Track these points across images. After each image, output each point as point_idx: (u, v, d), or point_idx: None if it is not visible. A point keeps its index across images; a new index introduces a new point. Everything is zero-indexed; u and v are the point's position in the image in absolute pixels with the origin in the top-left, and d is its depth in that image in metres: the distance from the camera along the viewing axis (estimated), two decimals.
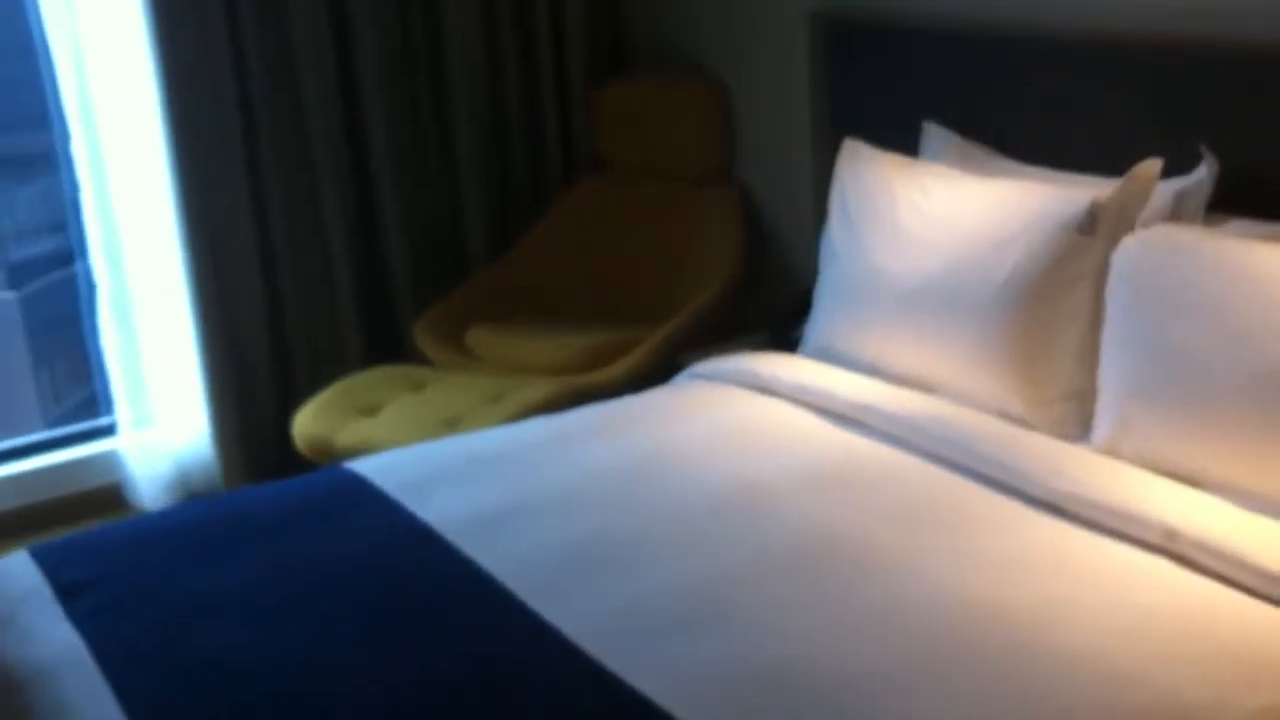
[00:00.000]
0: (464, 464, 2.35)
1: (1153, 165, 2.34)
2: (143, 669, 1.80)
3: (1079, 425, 2.34)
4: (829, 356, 2.71)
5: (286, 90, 3.40)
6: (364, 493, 2.25)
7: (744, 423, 2.46)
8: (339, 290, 3.54)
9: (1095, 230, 2.33)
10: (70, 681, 1.80)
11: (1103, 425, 2.25)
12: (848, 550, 1.97)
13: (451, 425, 3.01)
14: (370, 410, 3.13)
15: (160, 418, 3.49)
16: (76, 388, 3.97)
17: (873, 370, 2.61)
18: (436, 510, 2.15)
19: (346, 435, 3.03)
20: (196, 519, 2.26)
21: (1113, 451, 2.21)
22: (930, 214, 2.56)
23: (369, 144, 3.54)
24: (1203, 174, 2.33)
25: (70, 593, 2.03)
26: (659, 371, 3.18)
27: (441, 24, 3.58)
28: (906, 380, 2.55)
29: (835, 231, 2.77)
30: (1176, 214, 2.35)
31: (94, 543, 2.21)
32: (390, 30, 3.51)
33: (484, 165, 3.71)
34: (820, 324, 2.77)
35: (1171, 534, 1.91)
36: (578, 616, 1.82)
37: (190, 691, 1.73)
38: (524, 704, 1.66)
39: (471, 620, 1.84)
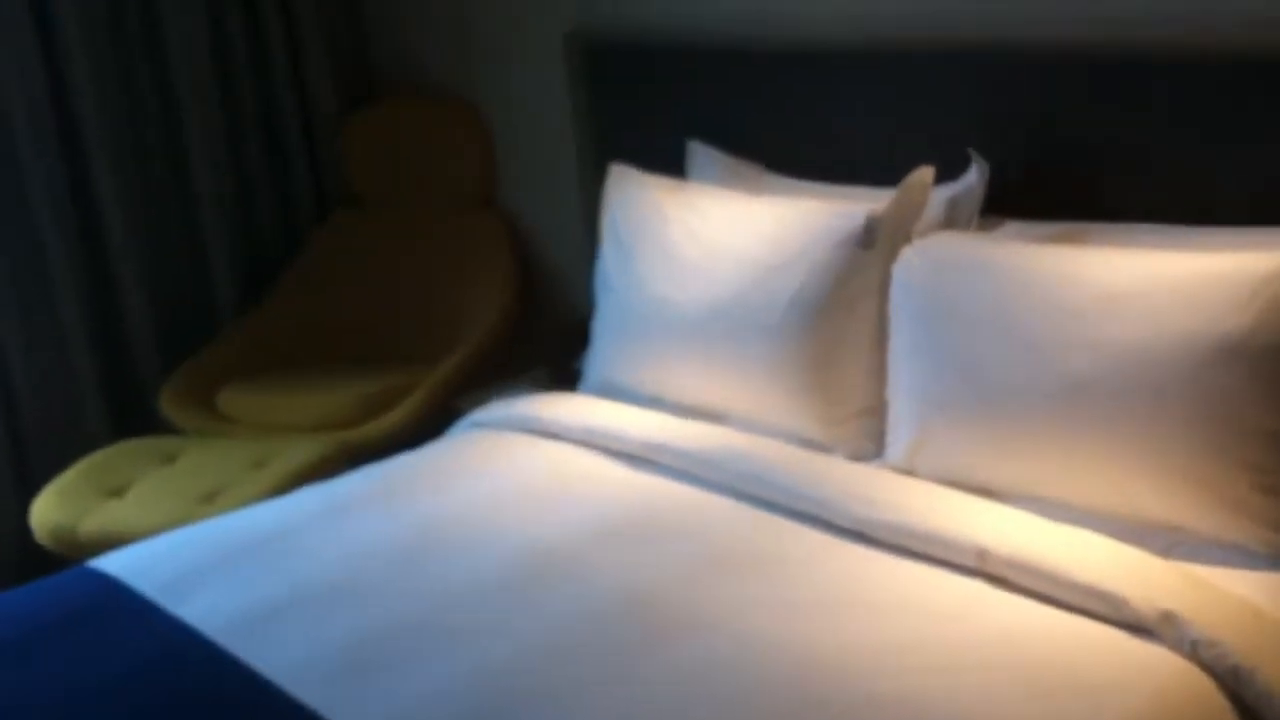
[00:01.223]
0: (229, 551, 2.12)
1: (925, 173, 2.30)
2: None
3: (874, 442, 2.28)
4: (610, 391, 2.59)
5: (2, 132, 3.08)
6: (116, 598, 2.00)
7: (531, 475, 2.31)
8: (74, 360, 3.23)
9: (874, 244, 2.27)
10: None
11: (897, 441, 2.20)
12: (656, 611, 1.84)
13: (210, 500, 2.77)
14: (118, 490, 2.86)
15: None
16: None
17: (657, 403, 2.50)
18: (201, 611, 1.93)
19: (92, 521, 2.75)
20: None
21: (910, 468, 2.16)
22: (706, 238, 2.47)
23: (96, 196, 3.24)
24: (973, 178, 2.31)
25: None
26: (436, 419, 3.01)
27: (166, 60, 3.31)
28: (694, 411, 2.44)
29: (608, 261, 2.65)
30: (951, 220, 2.32)
31: None
32: (109, 66, 3.22)
33: (227, 207, 3.44)
34: (599, 358, 2.65)
35: (983, 554, 1.85)
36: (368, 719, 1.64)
37: None
38: None
39: None
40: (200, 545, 2.16)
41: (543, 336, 3.36)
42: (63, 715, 1.73)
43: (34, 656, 1.87)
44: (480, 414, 2.61)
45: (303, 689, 1.72)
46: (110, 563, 2.15)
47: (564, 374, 2.95)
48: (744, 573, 1.93)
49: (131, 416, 3.32)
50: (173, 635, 1.89)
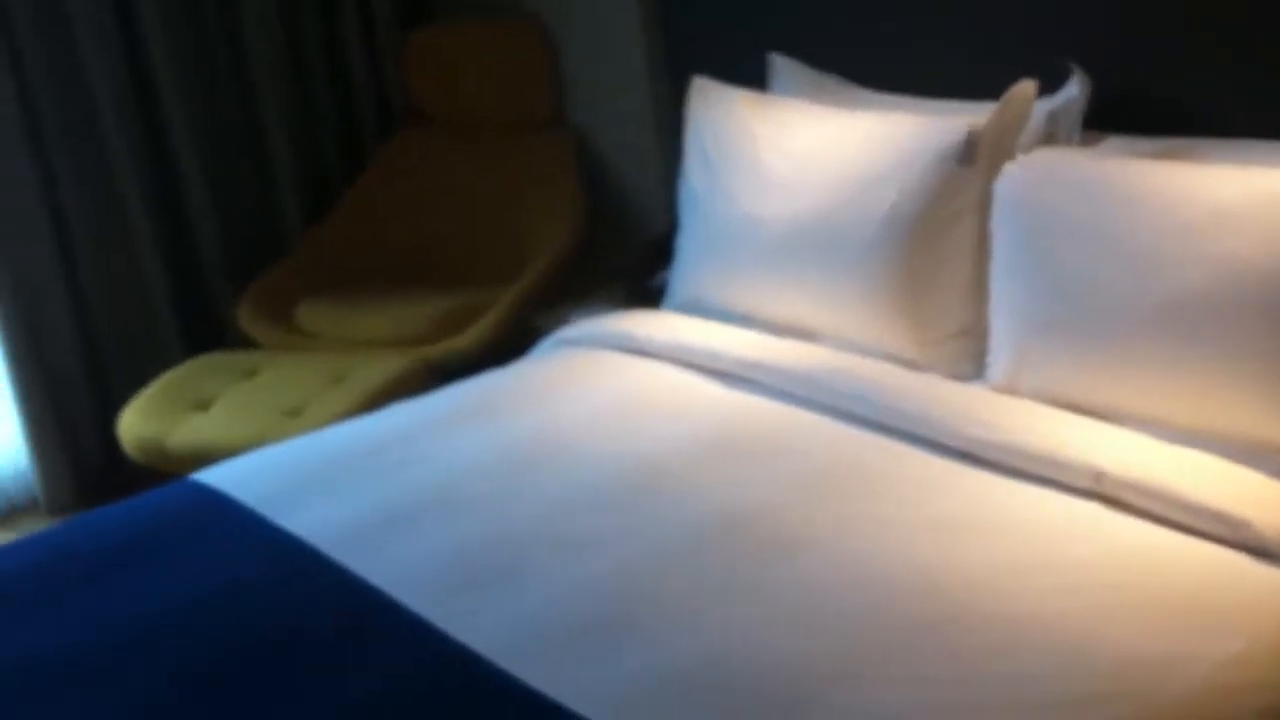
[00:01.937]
0: (329, 466, 2.12)
1: (1028, 87, 2.25)
2: None
3: (972, 363, 2.25)
4: (699, 310, 2.57)
5: (68, 65, 3.07)
6: (224, 510, 2.01)
7: (625, 393, 2.30)
8: (147, 277, 3.25)
9: (974, 160, 2.23)
10: None
11: (998, 362, 2.17)
12: (761, 529, 1.83)
13: (295, 414, 2.78)
14: (202, 404, 2.87)
15: None
16: None
17: (747, 321, 2.48)
18: (309, 523, 1.93)
19: (180, 434, 2.77)
20: (26, 562, 1.97)
21: (1011, 389, 2.13)
22: (795, 153, 2.43)
23: (163, 114, 3.24)
24: (1074, 92, 2.26)
25: None
26: (512, 336, 3.00)
27: None
28: (785, 329, 2.42)
29: (694, 177, 2.62)
30: (1051, 136, 2.28)
31: None
32: None
33: (291, 124, 3.43)
34: (686, 276, 2.62)
35: (1099, 476, 1.83)
36: (485, 631, 1.65)
37: None
38: None
39: (374, 648, 1.64)
40: (301, 459, 2.17)
41: (615, 254, 3.34)
42: (181, 624, 1.74)
43: (150, 565, 1.88)
44: (568, 331, 2.60)
45: (416, 600, 1.73)
46: (211, 475, 2.15)
47: (640, 291, 2.94)
48: (849, 492, 1.92)
49: (203, 334, 3.33)
50: (282, 546, 1.90)
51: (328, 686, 1.59)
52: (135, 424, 2.81)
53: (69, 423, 3.17)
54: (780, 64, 2.74)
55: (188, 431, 2.76)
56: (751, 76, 2.72)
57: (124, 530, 2.02)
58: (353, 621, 1.73)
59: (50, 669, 1.68)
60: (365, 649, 1.65)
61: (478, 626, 1.67)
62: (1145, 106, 2.26)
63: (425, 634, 1.66)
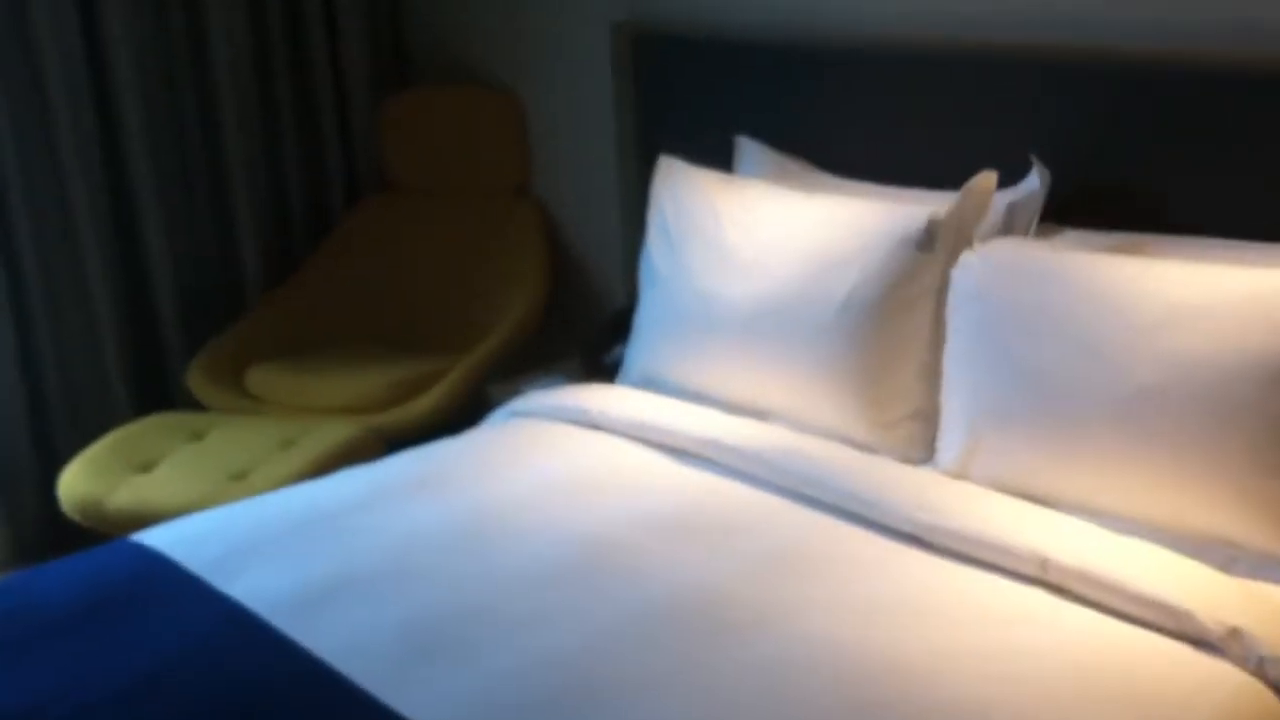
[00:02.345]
0: (276, 530, 2.09)
1: (988, 178, 2.28)
2: None
3: (923, 447, 2.26)
4: (654, 385, 2.57)
5: (35, 113, 3.05)
6: (164, 573, 1.97)
7: (578, 467, 2.28)
8: (100, 332, 3.20)
9: (934, 247, 2.26)
10: None
11: (950, 447, 2.18)
12: (713, 609, 1.82)
13: (239, 478, 2.74)
14: (146, 465, 2.82)
15: None
16: None
17: (702, 399, 2.48)
18: (252, 590, 1.90)
19: (122, 495, 2.72)
20: None
21: (962, 474, 2.14)
22: (758, 235, 2.45)
23: (127, 167, 3.20)
24: (1034, 184, 2.29)
25: None
26: (466, 406, 2.99)
27: (206, 33, 3.27)
28: (739, 408, 2.42)
29: (656, 253, 2.63)
30: (1010, 226, 2.30)
31: None
32: (148, 42, 3.19)
33: (257, 186, 3.41)
34: (643, 351, 2.62)
35: (1044, 563, 1.84)
36: (437, 708, 1.62)
37: None
38: None
39: None
40: (246, 523, 2.13)
41: (574, 327, 3.34)
42: (121, 694, 1.69)
43: (85, 633, 1.83)
44: (521, 403, 2.59)
45: (361, 673, 1.70)
46: (153, 537, 2.11)
47: (596, 366, 2.94)
48: (801, 574, 1.91)
49: (155, 394, 3.29)
50: (225, 614, 1.86)
51: None
52: (76, 483, 2.76)
53: (9, 478, 3.10)
54: (746, 146, 2.76)
55: (129, 492, 2.71)
56: (718, 158, 2.75)
57: (63, 592, 1.97)
58: (299, 693, 1.69)
59: None
60: (306, 714, 1.62)
61: (426, 702, 1.64)
62: (1102, 201, 2.30)
63: (373, 708, 1.63)
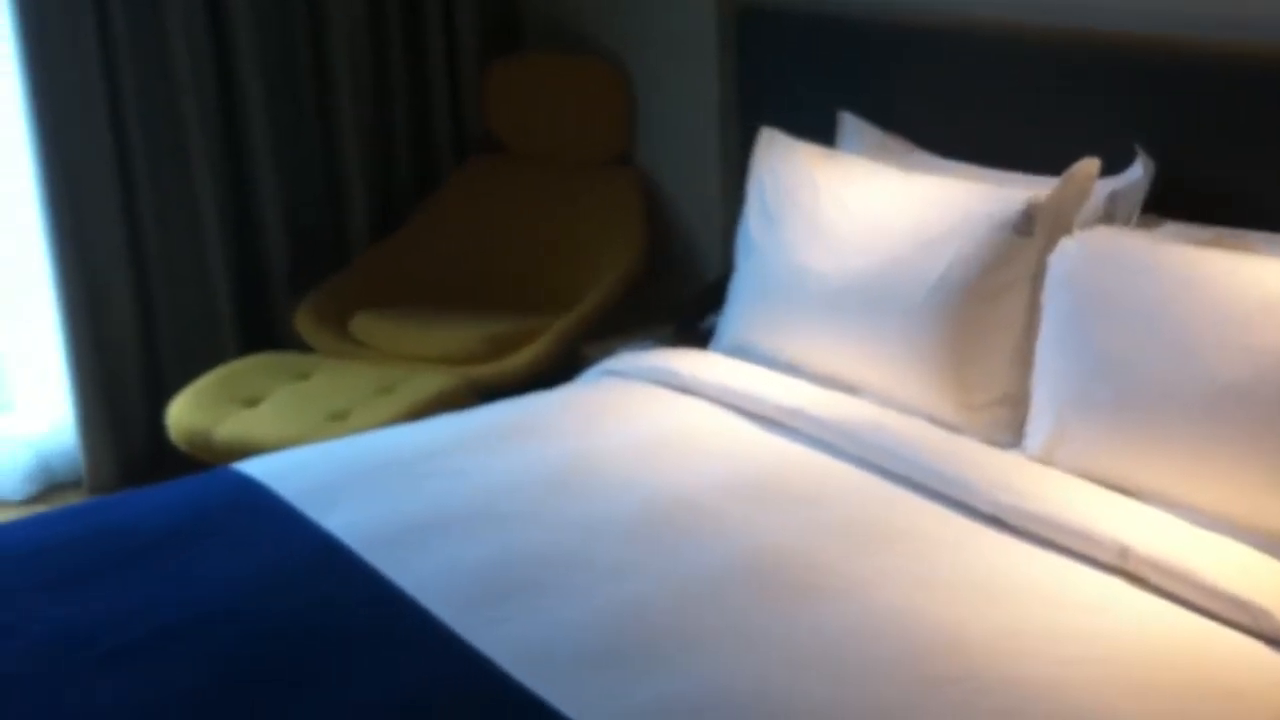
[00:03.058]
0: (370, 469, 2.17)
1: (1091, 165, 2.27)
2: None
3: (1010, 431, 2.27)
4: (745, 354, 2.60)
5: (156, 64, 3.17)
6: (261, 501, 2.06)
7: (666, 427, 2.33)
8: (212, 272, 3.32)
9: (1032, 231, 2.25)
10: None
11: (1037, 433, 2.18)
12: (792, 573, 1.85)
13: (339, 419, 2.83)
14: (251, 401, 2.93)
15: (19, 404, 3.24)
16: None
17: (792, 370, 2.50)
18: (345, 522, 1.97)
19: (227, 428, 2.83)
20: (69, 533, 2.02)
21: (1048, 459, 2.14)
22: (856, 211, 2.46)
23: (245, 121, 3.33)
24: (1137, 174, 2.28)
25: None
26: (559, 364, 3.04)
27: None
28: (828, 381, 2.45)
29: (753, 224, 2.65)
30: (1110, 215, 2.29)
31: None
32: (267, 2, 3.29)
33: (368, 144, 3.51)
34: (736, 320, 2.65)
35: (1125, 552, 1.84)
36: (513, 645, 1.67)
37: None
38: None
39: (400, 656, 1.67)
40: (343, 459, 2.21)
41: (669, 294, 3.38)
42: (212, 612, 1.78)
43: (190, 550, 1.93)
44: (614, 363, 2.63)
45: (442, 609, 1.76)
46: (252, 467, 2.20)
47: (689, 332, 2.97)
48: (877, 545, 1.94)
49: (260, 334, 3.40)
50: (315, 542, 1.94)
51: (352, 683, 1.62)
52: (184, 413, 2.87)
53: (120, 406, 3.23)
54: (849, 122, 2.77)
55: (235, 425, 2.82)
56: (819, 132, 2.77)
57: (162, 514, 2.06)
58: (380, 623, 1.76)
59: (89, 645, 1.72)
60: (390, 650, 1.68)
61: (500, 639, 1.70)
62: (1203, 196, 2.28)
63: (448, 642, 1.69)
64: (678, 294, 3.31)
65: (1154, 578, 1.81)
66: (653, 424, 2.34)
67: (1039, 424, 2.18)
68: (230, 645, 1.71)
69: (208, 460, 2.75)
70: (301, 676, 1.64)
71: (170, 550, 1.94)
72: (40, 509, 2.57)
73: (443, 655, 1.67)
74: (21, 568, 1.92)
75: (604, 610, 1.76)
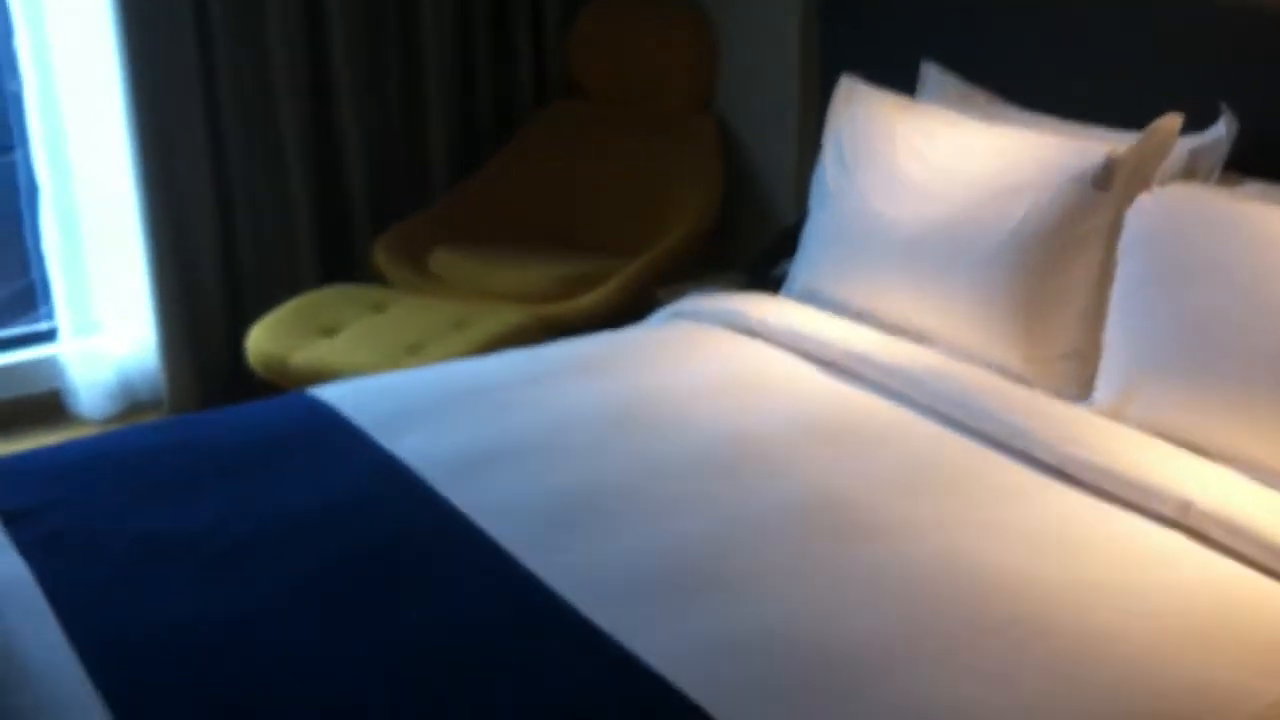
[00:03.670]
0: (440, 398, 2.21)
1: (1173, 120, 2.24)
2: (95, 621, 1.65)
3: (1078, 385, 2.25)
4: (815, 300, 2.60)
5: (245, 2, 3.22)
6: (334, 425, 2.11)
7: (734, 369, 2.35)
8: (294, 204, 3.38)
9: (1110, 185, 2.23)
10: (17, 619, 1.66)
11: (1107, 388, 2.17)
12: (853, 513, 1.87)
13: (414, 351, 2.88)
14: (328, 330, 2.99)
15: (104, 325, 3.33)
16: (8, 286, 3.77)
17: (861, 317, 2.51)
18: (414, 449, 2.02)
19: (303, 355, 2.89)
20: (152, 447, 2.09)
21: (1116, 415, 2.13)
22: (933, 160, 2.45)
23: (329, 57, 3.37)
24: (1220, 132, 2.24)
25: (14, 518, 1.88)
26: (631, 306, 3.07)
27: None
28: (898, 329, 2.45)
29: (829, 172, 2.65)
30: (1191, 172, 2.26)
31: (39, 465, 2.06)
32: None
33: (450, 84, 3.54)
34: (807, 267, 2.66)
35: (1186, 507, 1.84)
36: (573, 575, 1.71)
37: (149, 657, 1.58)
38: (529, 674, 1.55)
39: (462, 579, 1.72)
40: (414, 388, 2.26)
41: (743, 240, 3.39)
42: (276, 534, 1.83)
43: (267, 469, 1.98)
44: (683, 304, 2.66)
45: (505, 535, 1.80)
46: (326, 393, 2.25)
47: (762, 280, 2.98)
48: (938, 491, 1.95)
49: (340, 266, 3.46)
50: (385, 467, 1.99)
51: (415, 605, 1.67)
52: (263, 340, 2.94)
53: (201, 330, 3.31)
54: (931, 73, 2.75)
55: (311, 353, 2.88)
56: (898, 81, 2.75)
57: (238, 434, 2.13)
58: (444, 548, 1.80)
59: (172, 556, 1.78)
60: (453, 574, 1.73)
61: (561, 568, 1.73)
62: None
63: (511, 568, 1.73)
64: (752, 241, 3.32)
65: (1215, 533, 1.81)
66: (720, 365, 2.36)
67: (1108, 379, 2.17)
68: (302, 563, 1.75)
69: (284, 385, 2.81)
70: (367, 596, 1.68)
71: (247, 470, 2.00)
72: (120, 427, 2.65)
73: (504, 581, 1.71)
74: (110, 477, 1.99)
75: (663, 543, 1.79)
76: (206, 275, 3.31)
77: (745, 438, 2.08)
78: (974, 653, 1.59)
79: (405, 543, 1.80)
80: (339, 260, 3.47)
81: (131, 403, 3.36)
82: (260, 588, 1.70)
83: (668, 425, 2.12)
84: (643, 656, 1.56)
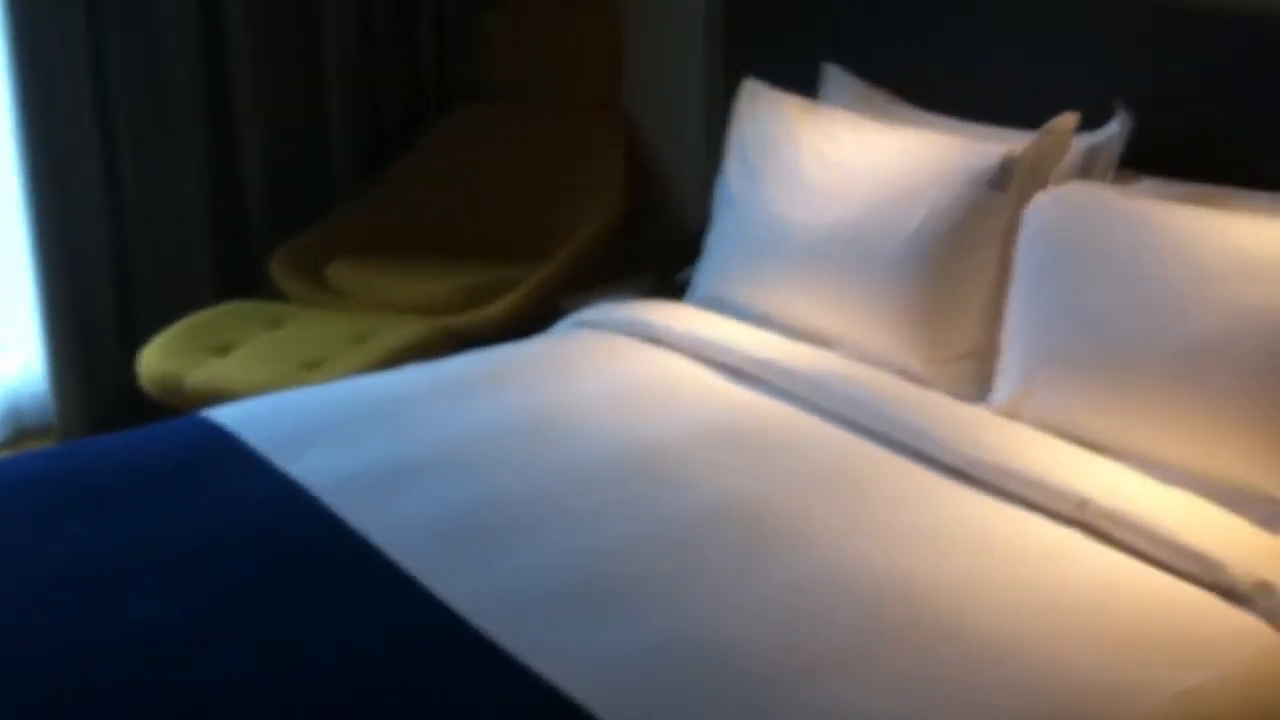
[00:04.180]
0: (338, 417, 2.16)
1: (1069, 119, 2.26)
2: None
3: (976, 385, 2.26)
4: (720, 306, 2.59)
5: (141, 2, 3.12)
6: (229, 448, 2.05)
7: (639, 378, 2.33)
8: (190, 217, 3.29)
9: (1007, 186, 2.24)
10: None
11: (1004, 386, 2.18)
12: (758, 521, 1.86)
13: (312, 367, 2.82)
14: (223, 348, 2.92)
15: None
16: None
17: (765, 322, 2.50)
18: (312, 470, 1.97)
19: (198, 375, 2.82)
20: (42, 475, 2.02)
21: (1014, 414, 2.14)
22: (836, 163, 2.45)
23: (227, 62, 3.28)
24: (1115, 130, 2.27)
25: None
26: (537, 314, 3.03)
27: None
28: (800, 334, 2.44)
29: (733, 176, 2.64)
30: (1087, 170, 2.28)
31: None
32: None
33: (352, 88, 3.47)
34: (711, 272, 2.64)
35: (1084, 504, 1.84)
36: (475, 595, 1.67)
37: (44, 685, 1.53)
38: (422, 697, 1.51)
39: (360, 602, 1.67)
40: (312, 407, 2.21)
41: (648, 245, 3.37)
42: (176, 560, 1.77)
43: (147, 497, 1.92)
44: (587, 314, 2.63)
45: (405, 556, 1.76)
46: (221, 414, 2.19)
47: (667, 284, 2.96)
48: (843, 495, 1.94)
49: (238, 281, 3.38)
50: (283, 491, 1.93)
51: (315, 633, 1.61)
52: (156, 360, 2.86)
53: (92, 352, 3.21)
54: (833, 74, 2.75)
55: (206, 372, 2.81)
56: (803, 83, 2.74)
57: (129, 459, 2.06)
58: (346, 572, 1.75)
59: (66, 581, 1.73)
60: (354, 598, 1.68)
61: (464, 588, 1.69)
62: (1182, 153, 2.26)
63: (411, 590, 1.69)
64: (658, 245, 3.30)
65: (1112, 530, 1.82)
66: (625, 374, 2.34)
67: (1006, 379, 2.18)
68: (198, 591, 1.70)
69: (179, 407, 2.74)
70: (264, 624, 1.63)
71: (140, 498, 1.93)
72: (8, 454, 2.56)
73: (405, 604, 1.67)
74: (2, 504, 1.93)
75: (567, 558, 1.76)
76: (97, 293, 3.20)
77: (649, 448, 2.06)
78: (878, 660, 1.58)
79: (303, 568, 1.75)
80: (239, 276, 3.39)
81: (18, 428, 3.25)
82: (155, 617, 1.64)
83: (571, 437, 2.09)
84: (547, 674, 1.53)
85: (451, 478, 1.96)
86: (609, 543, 1.79)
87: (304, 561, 1.77)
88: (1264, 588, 1.67)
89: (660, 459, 2.02)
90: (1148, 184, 2.25)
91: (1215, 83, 2.23)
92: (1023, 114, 2.38)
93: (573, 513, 1.87)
